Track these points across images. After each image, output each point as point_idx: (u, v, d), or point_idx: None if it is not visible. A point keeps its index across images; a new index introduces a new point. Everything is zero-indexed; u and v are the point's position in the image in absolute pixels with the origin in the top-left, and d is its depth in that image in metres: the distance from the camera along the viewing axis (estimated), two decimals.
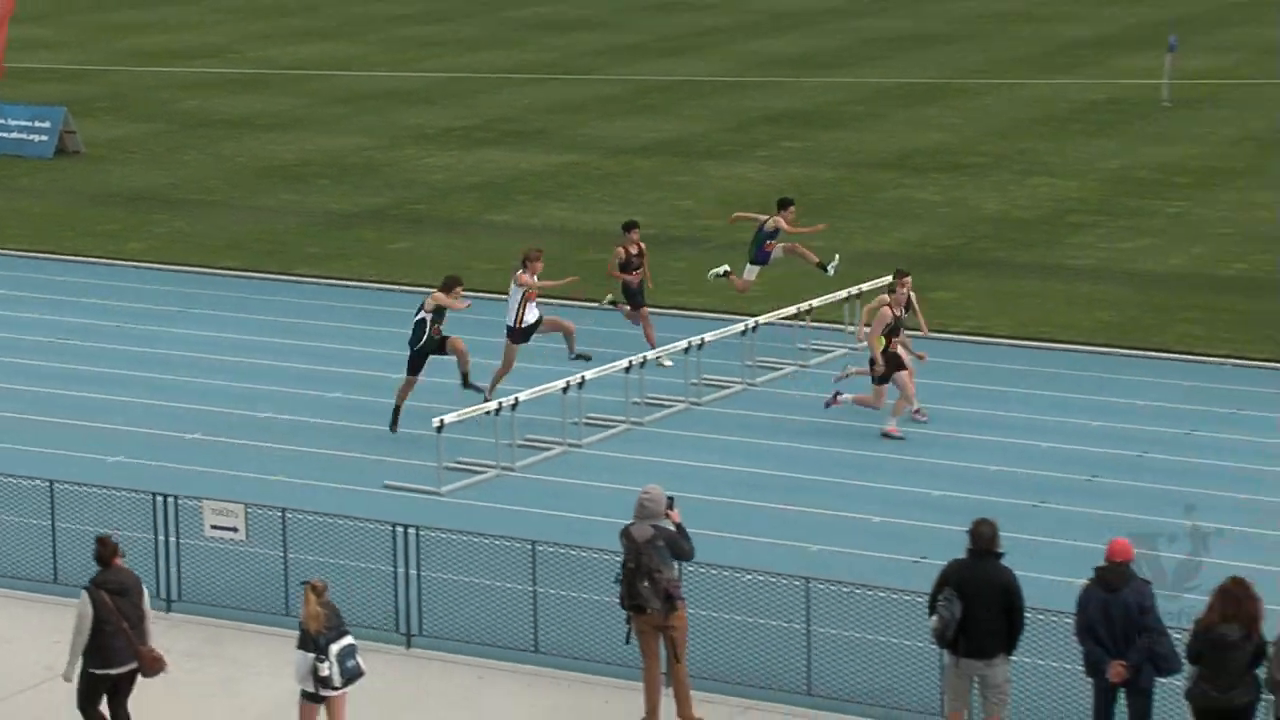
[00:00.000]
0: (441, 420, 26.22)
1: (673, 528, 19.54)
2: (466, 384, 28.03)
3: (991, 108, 52.06)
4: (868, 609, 20.56)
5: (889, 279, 32.58)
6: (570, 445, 27.86)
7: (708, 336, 30.00)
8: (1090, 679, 18.56)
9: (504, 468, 26.98)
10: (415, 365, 28.12)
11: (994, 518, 19.10)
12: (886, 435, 27.78)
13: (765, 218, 32.46)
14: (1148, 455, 27.27)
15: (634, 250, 31.14)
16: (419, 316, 28.13)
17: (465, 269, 37.36)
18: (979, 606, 18.58)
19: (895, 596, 20.25)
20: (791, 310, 31.68)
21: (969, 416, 28.82)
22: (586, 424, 28.27)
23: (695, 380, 29.76)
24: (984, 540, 18.78)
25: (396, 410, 28.21)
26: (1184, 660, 18.16)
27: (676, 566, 19.59)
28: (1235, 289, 35.26)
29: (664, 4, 72.51)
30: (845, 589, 20.78)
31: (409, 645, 21.57)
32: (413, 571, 21.52)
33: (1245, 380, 30.31)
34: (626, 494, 25.34)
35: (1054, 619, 19.00)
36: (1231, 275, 36.28)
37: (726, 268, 32.47)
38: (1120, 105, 51.86)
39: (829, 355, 31.64)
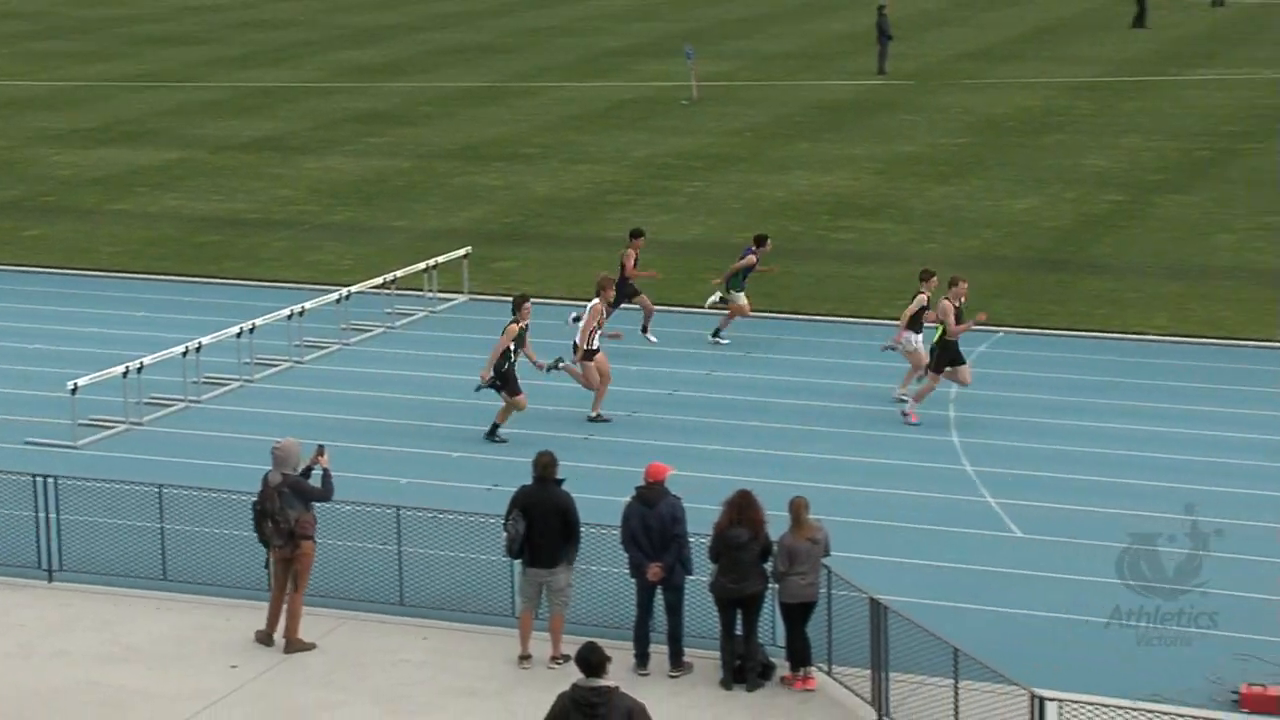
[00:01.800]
0: (75, 383, 25.56)
1: (311, 474, 19.40)
2: (492, 434, 25.51)
3: (542, 107, 52.36)
4: (450, 530, 20.62)
5: (462, 251, 32.81)
6: (191, 402, 27.37)
7: (308, 305, 29.70)
8: (634, 579, 18.91)
9: (133, 423, 26.41)
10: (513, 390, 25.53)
11: (552, 449, 19.35)
12: (904, 415, 26.21)
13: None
14: (677, 393, 27.77)
15: (636, 256, 29.99)
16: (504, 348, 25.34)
17: (93, 252, 36.57)
18: (541, 524, 18.82)
19: (473, 519, 20.35)
20: (379, 280, 31.58)
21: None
22: (205, 383, 27.81)
23: (298, 342, 29.47)
24: (543, 468, 19.04)
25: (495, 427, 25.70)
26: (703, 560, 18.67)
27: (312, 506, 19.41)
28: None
29: (259, 21, 71.37)
30: (430, 514, 20.82)
31: (51, 580, 21.01)
32: (53, 515, 20.96)
33: (753, 329, 31.04)
34: (240, 442, 25.22)
35: (604, 531, 19.27)
36: (739, 242, 36.86)
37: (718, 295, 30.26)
38: (647, 103, 52.56)
39: (412, 318, 31.63)
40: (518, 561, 19.15)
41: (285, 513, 19.15)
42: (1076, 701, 16.17)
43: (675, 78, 54.75)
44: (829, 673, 18.59)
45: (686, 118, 50.19)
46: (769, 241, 30.23)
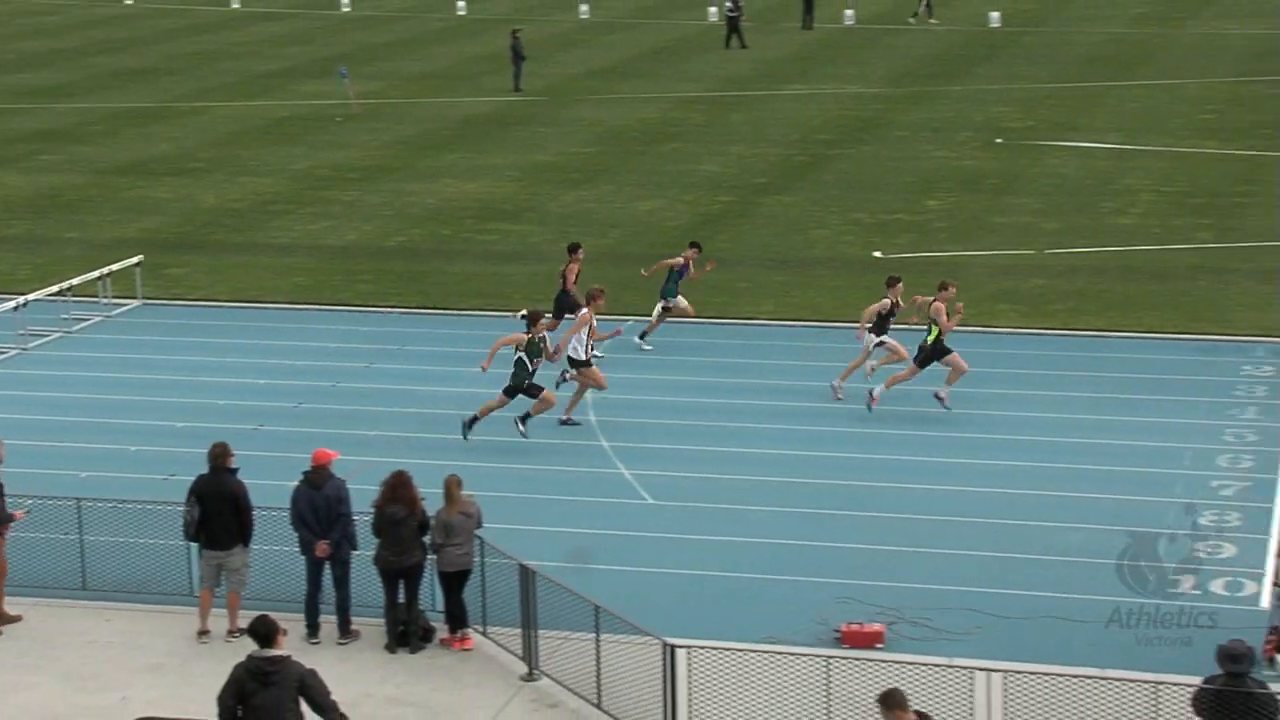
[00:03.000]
0: None
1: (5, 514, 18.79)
2: (522, 421, 24.16)
3: (206, 125, 51.21)
4: (131, 518, 20.10)
5: (135, 259, 32.03)
6: None
7: None
8: (304, 556, 18.72)
9: None
10: (511, 393, 24.36)
11: (226, 440, 19.03)
12: (937, 397, 25.08)
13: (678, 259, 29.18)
14: (340, 385, 27.52)
15: (578, 270, 28.36)
16: (516, 356, 24.10)
17: None
18: (215, 510, 18.55)
19: (152, 507, 19.89)
20: (55, 288, 30.62)
21: (194, 364, 28.43)
22: None
23: None
24: (215, 458, 18.75)
25: (475, 419, 24.39)
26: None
27: None
28: (396, 256, 35.90)
29: None
30: (110, 504, 20.26)
31: None
32: None
33: (408, 324, 30.97)
34: None
35: (276, 514, 19.01)
36: (393, 246, 36.89)
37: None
38: (304, 120, 51.81)
39: (88, 323, 30.70)
40: (196, 544, 18.81)
41: None
42: (703, 647, 16.53)
43: (330, 96, 54.11)
44: (484, 633, 18.66)
45: (341, 133, 49.65)
46: (701, 247, 29.58)
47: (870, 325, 25.81)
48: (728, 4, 65.32)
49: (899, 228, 37.19)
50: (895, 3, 75.96)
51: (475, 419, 24.50)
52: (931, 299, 25.36)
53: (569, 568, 19.02)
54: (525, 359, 24.19)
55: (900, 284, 25.95)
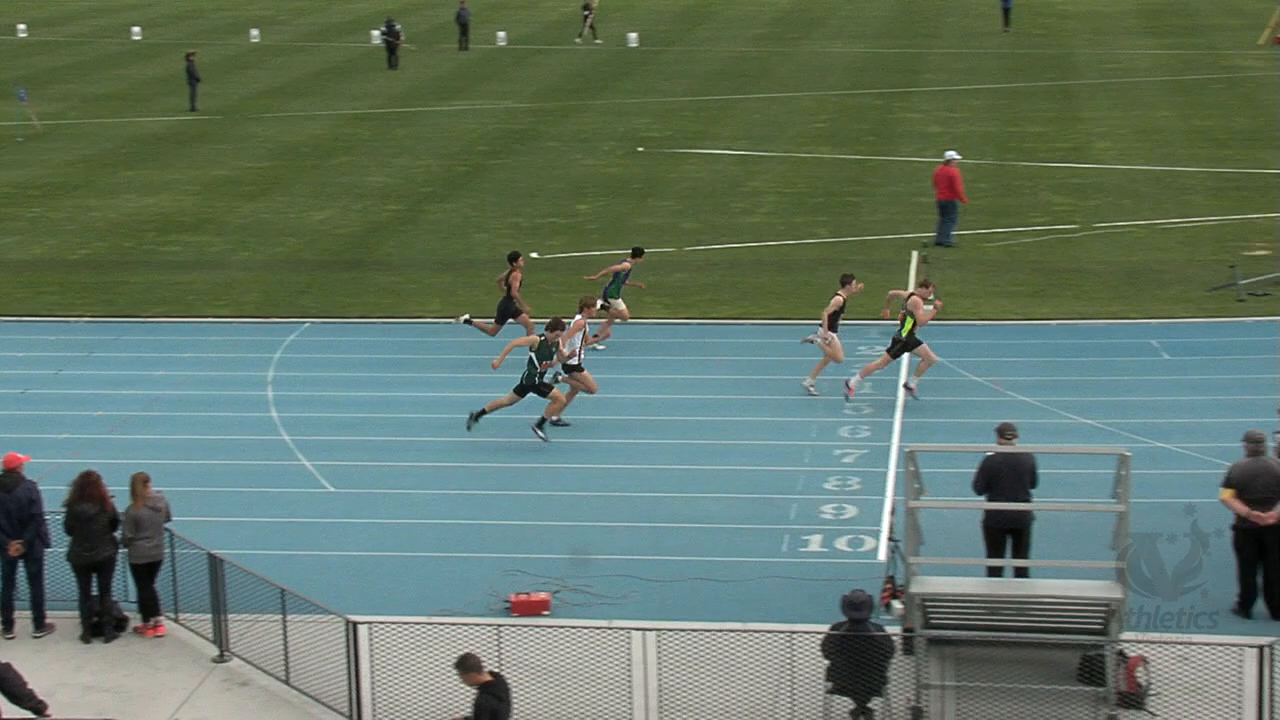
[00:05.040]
0: None
1: None
2: (539, 425, 23.40)
3: None
4: None
5: None
6: None
7: None
8: None
9: None
10: (522, 391, 23.58)
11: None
12: (906, 387, 24.61)
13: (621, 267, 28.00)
14: (29, 391, 26.48)
15: (520, 278, 26.73)
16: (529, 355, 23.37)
17: None
18: None
19: None
20: None
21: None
22: None
23: None
24: None
25: (483, 412, 23.63)
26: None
27: None
28: (81, 268, 34.66)
29: None
30: None
31: None
32: None
33: (95, 332, 29.98)
34: None
35: None
36: (78, 259, 35.60)
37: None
38: None
39: None
40: None
41: None
42: (383, 622, 16.41)
43: (10, 117, 51.85)
44: (176, 620, 18.18)
45: (24, 152, 47.67)
46: (644, 253, 28.86)
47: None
48: (383, 28, 65.22)
49: (553, 230, 37.42)
50: (543, 25, 76.44)
51: (483, 413, 23.76)
52: (909, 293, 25.18)
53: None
54: (535, 359, 23.49)
55: (853, 283, 25.45)
